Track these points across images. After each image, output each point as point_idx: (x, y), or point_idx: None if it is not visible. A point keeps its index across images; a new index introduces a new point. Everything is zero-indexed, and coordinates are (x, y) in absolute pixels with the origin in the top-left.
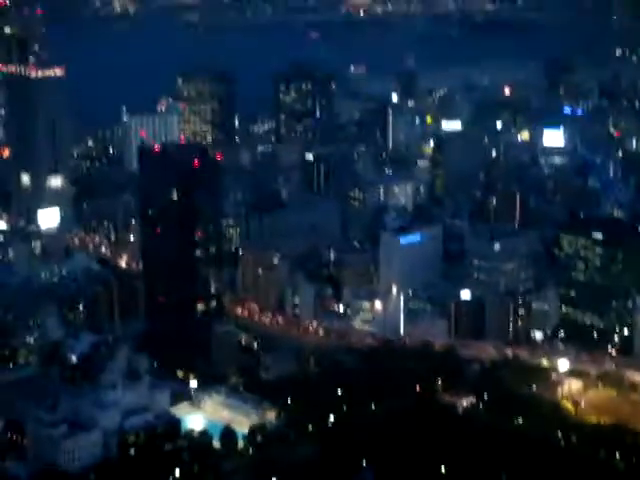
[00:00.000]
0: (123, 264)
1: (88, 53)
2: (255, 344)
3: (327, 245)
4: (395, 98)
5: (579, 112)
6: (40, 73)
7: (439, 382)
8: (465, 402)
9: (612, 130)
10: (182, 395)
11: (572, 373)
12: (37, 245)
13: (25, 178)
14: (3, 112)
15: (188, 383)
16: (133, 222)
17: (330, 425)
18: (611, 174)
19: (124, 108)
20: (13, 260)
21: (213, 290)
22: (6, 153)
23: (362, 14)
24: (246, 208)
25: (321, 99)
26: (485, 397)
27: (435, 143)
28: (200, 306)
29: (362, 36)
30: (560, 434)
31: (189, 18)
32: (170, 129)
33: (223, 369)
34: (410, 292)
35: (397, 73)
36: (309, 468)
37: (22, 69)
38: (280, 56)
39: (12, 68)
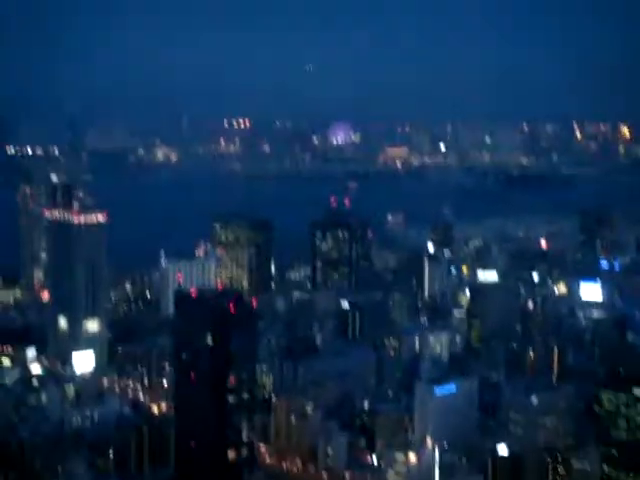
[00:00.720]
0: (155, 409)
1: (130, 198)
2: None
3: (361, 393)
4: (431, 247)
5: (616, 266)
6: (82, 219)
7: None
8: None
9: None
10: None
11: None
12: (70, 389)
13: (62, 321)
14: (44, 255)
15: None
16: (167, 366)
17: None
18: None
19: (163, 252)
20: (46, 404)
21: (245, 437)
22: (45, 296)
23: (399, 165)
24: (280, 354)
25: (357, 247)
26: None
27: (471, 293)
28: (231, 453)
29: (399, 186)
30: None
31: (230, 166)
32: (207, 274)
33: None
34: (445, 444)
35: (433, 223)
36: None
37: (65, 214)
38: (318, 204)
39: (56, 213)
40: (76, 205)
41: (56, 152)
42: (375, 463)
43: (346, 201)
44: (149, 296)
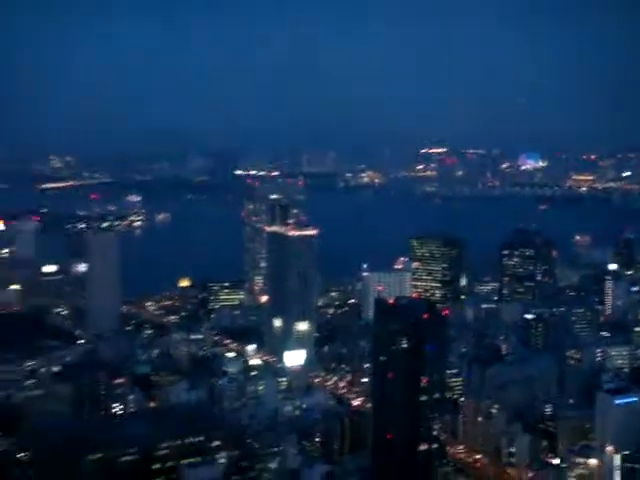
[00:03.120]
0: (355, 403)
1: (338, 216)
2: None
3: (543, 399)
4: (613, 267)
5: None
6: (297, 233)
7: None
8: None
9: None
10: None
11: None
12: (283, 381)
13: (277, 322)
14: (264, 264)
15: None
16: (366, 366)
17: None
18: None
19: (365, 265)
20: (262, 393)
21: (435, 433)
22: (264, 299)
23: (584, 189)
24: (468, 360)
25: (542, 264)
26: None
27: None
28: (422, 447)
29: (584, 209)
30: None
31: (427, 189)
32: (404, 285)
33: None
34: (626, 453)
35: (616, 244)
36: None
37: (282, 229)
38: (506, 224)
39: (274, 228)
40: (291, 221)
41: (275, 174)
42: (556, 464)
43: (533, 222)
44: (352, 303)
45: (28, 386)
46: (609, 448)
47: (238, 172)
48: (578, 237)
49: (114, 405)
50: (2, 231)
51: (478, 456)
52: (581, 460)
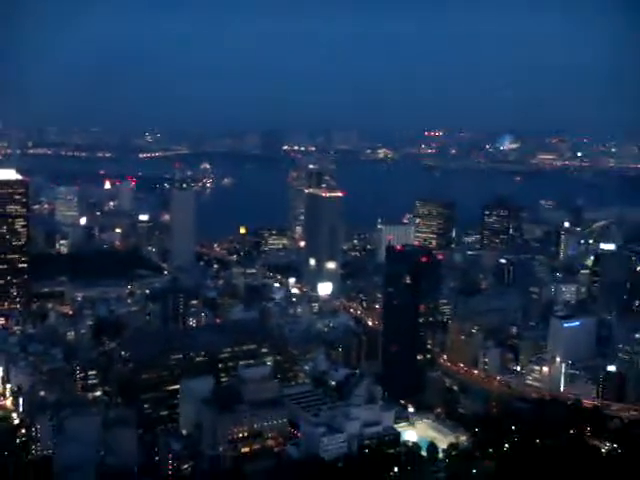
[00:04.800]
0: (370, 323)
1: (359, 182)
2: (455, 387)
3: (510, 323)
4: (567, 224)
5: None
6: (327, 194)
7: (587, 429)
8: (607, 446)
9: None
10: (402, 417)
11: None
12: (315, 306)
13: (312, 261)
14: (302, 217)
15: (407, 409)
16: (378, 296)
17: (505, 450)
18: None
19: (379, 219)
20: (299, 314)
21: (428, 347)
22: (302, 244)
23: (547, 167)
24: (456, 293)
25: (513, 222)
26: (624, 444)
27: (594, 258)
28: (419, 357)
29: (546, 181)
30: None
31: (427, 163)
32: (408, 235)
33: (432, 402)
34: (570, 362)
35: (569, 208)
36: (487, 477)
37: (317, 191)
38: (487, 192)
39: (311, 190)
40: (324, 185)
41: (312, 149)
42: (519, 371)
43: (506, 191)
44: (369, 248)
45: (127, 304)
46: (558, 359)
47: (285, 147)
48: (542, 202)
49: (190, 320)
50: (109, 189)
51: (460, 364)
52: (537, 368)
